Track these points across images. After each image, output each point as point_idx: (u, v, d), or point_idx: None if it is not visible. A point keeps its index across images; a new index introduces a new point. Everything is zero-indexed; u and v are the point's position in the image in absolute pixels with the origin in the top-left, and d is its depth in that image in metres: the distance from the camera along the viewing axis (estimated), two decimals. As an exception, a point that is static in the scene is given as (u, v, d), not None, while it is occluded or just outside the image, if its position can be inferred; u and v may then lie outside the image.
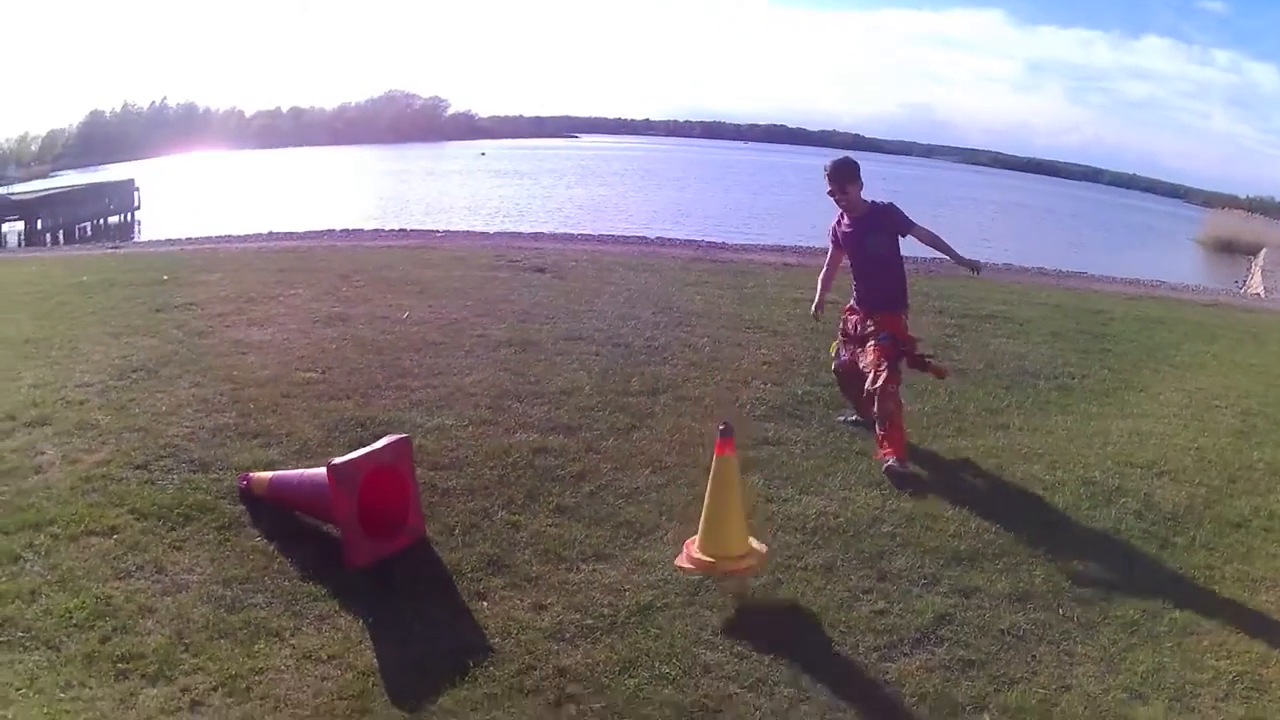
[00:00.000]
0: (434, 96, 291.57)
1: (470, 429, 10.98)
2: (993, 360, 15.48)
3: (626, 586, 8.02)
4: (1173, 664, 7.28)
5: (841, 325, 11.50)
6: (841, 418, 11.68)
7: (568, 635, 7.35)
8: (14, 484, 9.18)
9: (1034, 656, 7.30)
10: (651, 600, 7.83)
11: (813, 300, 11.95)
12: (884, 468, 10.34)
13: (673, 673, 6.90)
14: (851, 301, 11.38)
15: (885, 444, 10.46)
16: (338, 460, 8.15)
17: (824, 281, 11.93)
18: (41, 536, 8.32)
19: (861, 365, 10.87)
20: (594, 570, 8.29)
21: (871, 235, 11.08)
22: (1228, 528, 9.69)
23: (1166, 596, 8.23)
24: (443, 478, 9.68)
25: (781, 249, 31.94)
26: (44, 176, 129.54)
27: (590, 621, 7.53)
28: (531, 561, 8.38)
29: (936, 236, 11.20)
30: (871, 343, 10.85)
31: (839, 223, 11.43)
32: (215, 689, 6.61)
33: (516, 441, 10.69)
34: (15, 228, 74.22)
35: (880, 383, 10.48)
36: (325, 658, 7.00)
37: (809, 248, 32.52)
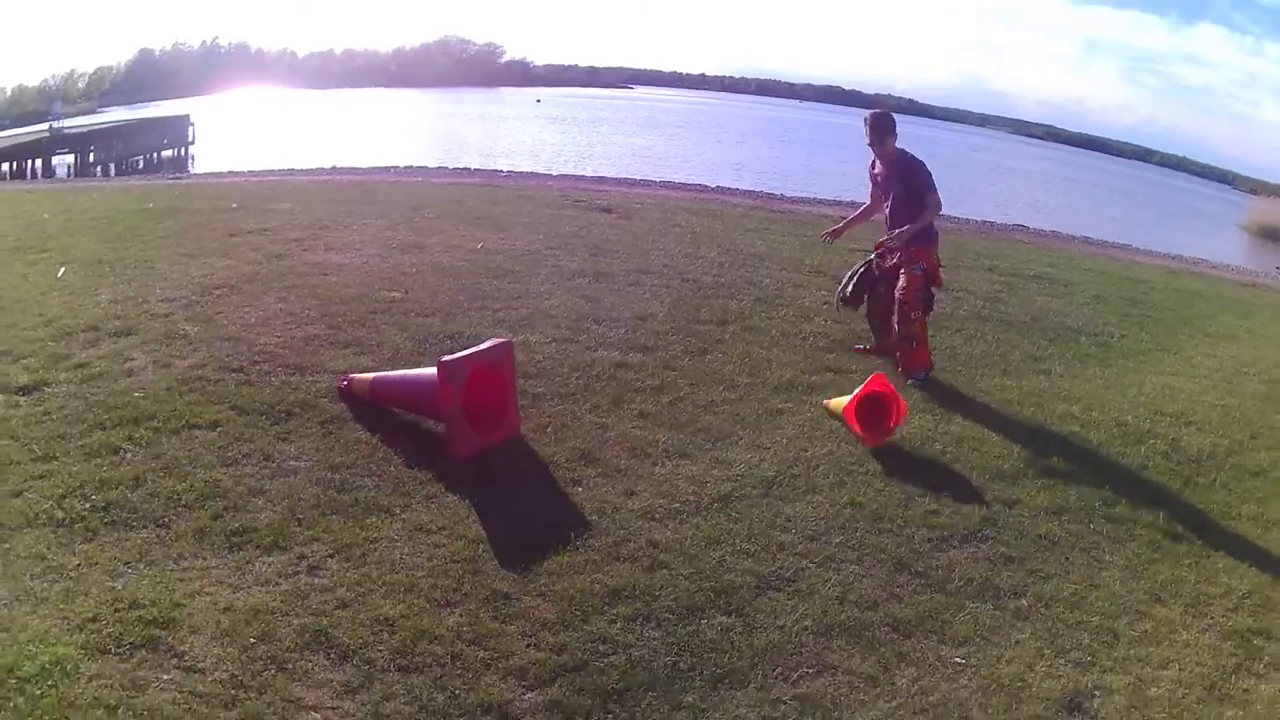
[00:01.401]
0: (489, 43, 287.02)
1: (554, 345, 11.69)
2: (1037, 315, 16.19)
3: (707, 479, 8.78)
4: (1190, 577, 8.06)
5: (873, 260, 12.24)
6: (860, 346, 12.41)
7: (657, 516, 8.08)
8: (106, 385, 9.72)
9: (1067, 559, 8.11)
10: (731, 490, 8.60)
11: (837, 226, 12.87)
12: (910, 382, 11.39)
13: (752, 549, 7.69)
14: (885, 238, 11.97)
15: (909, 362, 11.54)
16: (447, 357, 8.84)
17: (856, 216, 13.08)
18: (141, 430, 8.82)
19: (897, 292, 11.56)
20: (677, 465, 9.03)
21: (902, 180, 11.74)
22: (1246, 475, 10.41)
23: (1187, 524, 9.03)
24: (532, 385, 10.36)
25: (839, 202, 32.09)
26: (91, 113, 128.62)
27: (676, 505, 8.27)
28: (620, 456, 9.10)
29: (931, 218, 11.73)
30: (904, 271, 11.55)
31: (873, 167, 12.24)
32: (331, 555, 7.18)
33: (598, 357, 11.42)
34: (65, 160, 74.12)
35: (908, 308, 11.44)
36: (435, 529, 7.64)
37: (864, 203, 33.25)
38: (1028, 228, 34.12)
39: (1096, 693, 6.48)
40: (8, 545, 6.94)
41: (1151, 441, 10.87)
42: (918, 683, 6.33)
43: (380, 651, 6.13)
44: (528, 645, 6.31)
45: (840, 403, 10.23)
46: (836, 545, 7.92)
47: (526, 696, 5.85)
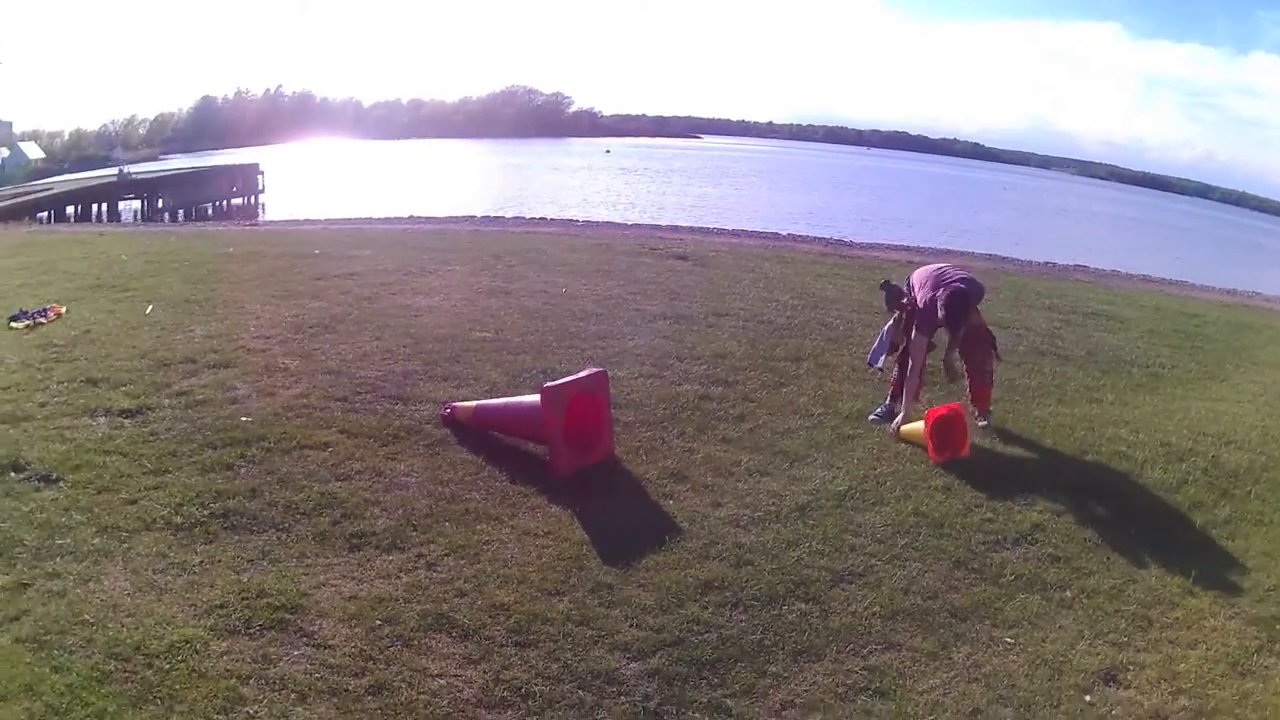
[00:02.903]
0: (556, 93, 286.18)
1: (640, 380, 12.43)
2: (1093, 350, 16.71)
3: (785, 493, 9.46)
4: (1221, 573, 8.63)
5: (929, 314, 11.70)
6: (872, 415, 12.04)
7: (742, 523, 8.77)
8: (211, 411, 10.41)
9: (1108, 558, 8.73)
10: (807, 502, 9.30)
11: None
12: (983, 424, 11.91)
13: (826, 549, 8.39)
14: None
15: (987, 400, 12.10)
16: (550, 384, 9.64)
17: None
18: (252, 450, 9.49)
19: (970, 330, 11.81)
20: (758, 481, 9.71)
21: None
22: None
23: (1221, 530, 9.62)
24: (623, 414, 11.02)
25: (907, 248, 32.66)
26: (153, 159, 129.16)
27: (759, 514, 8.97)
28: (706, 474, 9.78)
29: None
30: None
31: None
32: (447, 555, 7.86)
33: (682, 390, 12.16)
34: (131, 205, 75.20)
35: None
36: (541, 534, 8.33)
37: (932, 248, 33.71)
38: (1088, 267, 34.29)
39: (1130, 667, 7.07)
40: (128, 545, 7.61)
41: (1193, 459, 11.30)
42: (972, 658, 6.98)
43: (497, 631, 6.82)
44: (630, 625, 7.01)
45: (913, 429, 11.00)
46: (902, 546, 8.60)
47: (631, 666, 6.55)
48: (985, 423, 11.96)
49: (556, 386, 9.60)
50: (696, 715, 6.15)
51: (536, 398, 9.57)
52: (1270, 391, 15.21)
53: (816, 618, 7.36)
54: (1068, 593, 8.14)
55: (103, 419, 10.10)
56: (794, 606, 7.49)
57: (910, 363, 11.59)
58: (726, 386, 12.56)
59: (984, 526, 9.18)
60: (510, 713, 6.03)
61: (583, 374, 10.14)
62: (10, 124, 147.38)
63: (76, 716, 5.61)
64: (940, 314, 11.37)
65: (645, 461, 10.08)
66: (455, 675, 6.34)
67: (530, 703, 6.13)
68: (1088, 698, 6.70)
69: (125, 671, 6.07)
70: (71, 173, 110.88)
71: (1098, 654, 7.23)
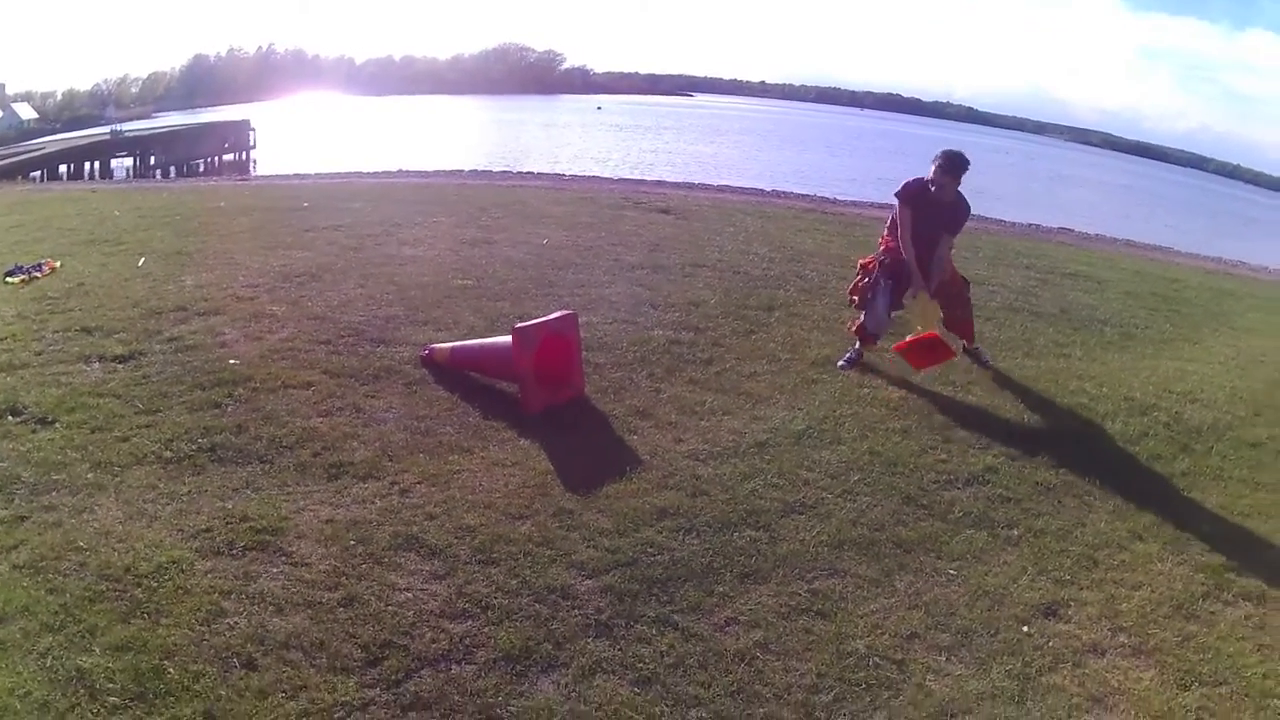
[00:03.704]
0: (549, 50, 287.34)
1: (614, 325, 12.78)
2: (1067, 307, 17.00)
3: (746, 431, 9.80)
4: (1172, 523, 8.77)
5: (896, 261, 12.16)
6: (840, 362, 12.24)
7: (701, 457, 9.11)
8: (201, 355, 10.78)
9: (1059, 501, 8.97)
10: (767, 439, 9.63)
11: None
12: (977, 350, 12.58)
13: (780, 483, 8.70)
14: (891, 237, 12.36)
15: (973, 328, 12.53)
16: (521, 324, 9.99)
17: (916, 256, 12.03)
18: (240, 389, 9.89)
19: (948, 281, 12.19)
20: (720, 420, 10.06)
21: (954, 219, 12.02)
22: (1244, 445, 11.03)
23: (1178, 481, 9.82)
24: (594, 356, 11.41)
25: (892, 206, 32.98)
26: (146, 118, 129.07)
27: (718, 450, 9.30)
28: (671, 413, 10.13)
29: (945, 257, 12.17)
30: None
31: (922, 197, 11.90)
32: (419, 482, 8.21)
33: (654, 335, 12.48)
34: (124, 163, 75.97)
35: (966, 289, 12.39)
36: (509, 464, 8.69)
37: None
38: (1073, 230, 34.50)
39: (1071, 604, 7.28)
40: (119, 479, 7.96)
41: (1155, 413, 11.54)
42: (914, 586, 7.27)
43: (463, 550, 7.19)
44: (587, 547, 7.36)
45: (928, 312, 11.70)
46: (854, 482, 8.88)
47: (586, 582, 6.90)
48: (976, 348, 12.56)
49: (527, 327, 9.94)
50: (644, 628, 6.47)
51: (509, 338, 9.91)
52: (1244, 355, 15.46)
53: (765, 544, 7.69)
54: (1015, 531, 8.36)
55: (96, 365, 10.44)
56: (744, 533, 7.82)
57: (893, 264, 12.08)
58: (697, 332, 12.87)
59: (937, 467, 9.45)
60: (471, 622, 6.37)
61: (553, 315, 10.48)
62: (3, 85, 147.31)
63: (70, 632, 5.94)
64: (931, 174, 11.75)
65: (613, 400, 10.44)
66: (421, 589, 6.70)
67: (489, 613, 6.47)
68: (1025, 628, 6.92)
69: (116, 591, 6.40)
70: (64, 132, 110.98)
71: (1039, 589, 7.45)
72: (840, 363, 12.16)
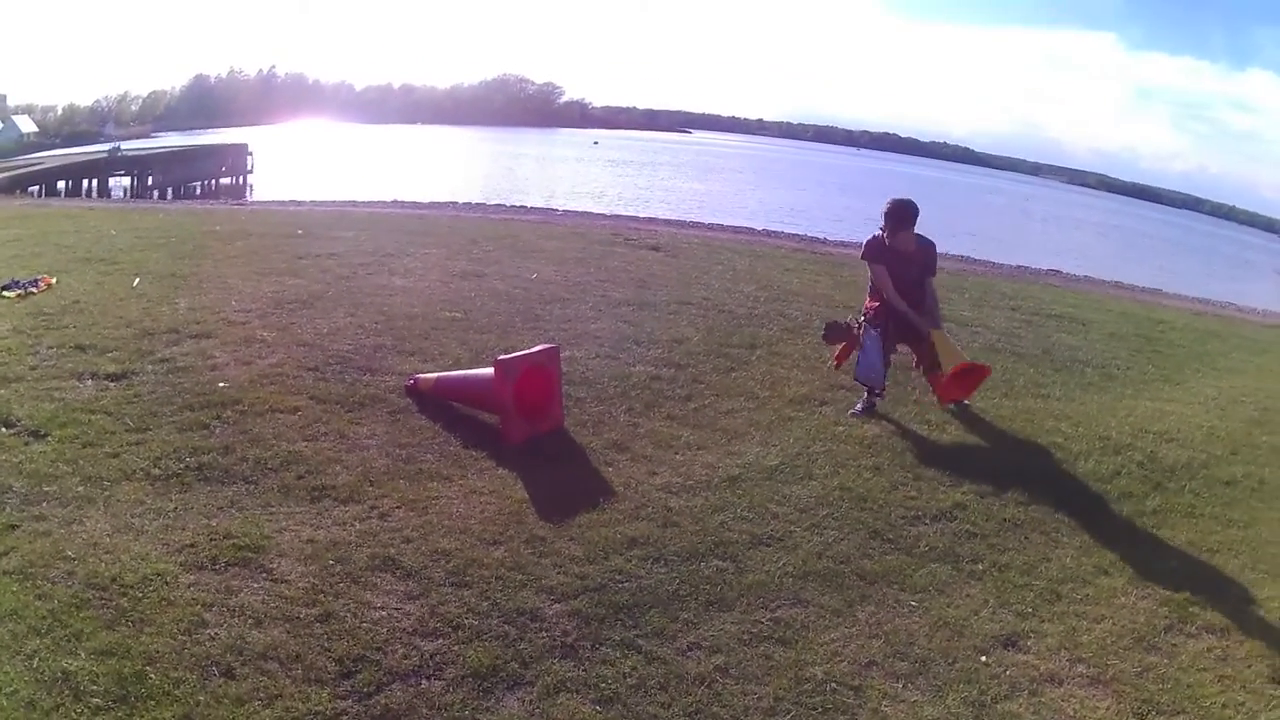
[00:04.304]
0: (548, 83, 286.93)
1: (597, 360, 12.98)
2: (1049, 349, 17.16)
3: (720, 465, 9.98)
4: (1140, 557, 8.95)
5: (880, 315, 12.13)
6: (853, 410, 12.18)
7: (674, 490, 9.29)
8: (191, 377, 11.02)
9: (1026, 537, 9.11)
10: (739, 474, 9.81)
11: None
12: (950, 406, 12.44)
13: (750, 515, 8.90)
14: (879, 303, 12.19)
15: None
16: (503, 356, 10.25)
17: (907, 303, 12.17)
18: (228, 412, 10.13)
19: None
20: (695, 454, 10.24)
21: (925, 261, 12.25)
22: (1218, 484, 11.15)
23: (1148, 519, 9.95)
24: (576, 390, 11.61)
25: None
26: (145, 137, 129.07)
27: (691, 483, 9.48)
28: (647, 447, 10.31)
29: (934, 296, 12.47)
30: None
31: (887, 246, 12.09)
32: (399, 507, 8.44)
33: (635, 371, 12.69)
34: (121, 182, 76.10)
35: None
36: (486, 492, 8.90)
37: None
38: (1061, 272, 34.66)
39: (1031, 635, 7.44)
40: (108, 493, 8.20)
41: (1129, 453, 11.64)
42: (875, 617, 7.45)
43: (437, 572, 7.41)
44: (558, 572, 7.57)
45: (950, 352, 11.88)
46: (822, 516, 9.06)
47: (554, 606, 7.12)
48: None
49: (510, 359, 10.18)
50: (608, 650, 6.67)
51: (492, 370, 10.15)
52: (1225, 396, 15.60)
53: (731, 574, 7.89)
54: (979, 565, 8.49)
55: (90, 381, 10.67)
56: (711, 563, 8.02)
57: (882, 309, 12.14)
58: (678, 369, 13.03)
59: (906, 503, 9.58)
60: (441, 640, 6.59)
61: (536, 349, 10.73)
62: (4, 97, 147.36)
63: (57, 636, 6.17)
64: (882, 226, 12.02)
65: (591, 433, 10.61)
66: (395, 608, 6.92)
67: (460, 633, 6.69)
68: (984, 658, 7.07)
69: (102, 599, 6.63)
70: (64, 147, 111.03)
71: (1000, 621, 7.60)
72: (852, 412, 12.10)
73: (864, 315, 12.40)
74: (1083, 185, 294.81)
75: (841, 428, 11.50)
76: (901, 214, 11.85)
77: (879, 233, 12.07)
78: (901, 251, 12.05)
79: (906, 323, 12.03)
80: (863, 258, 12.33)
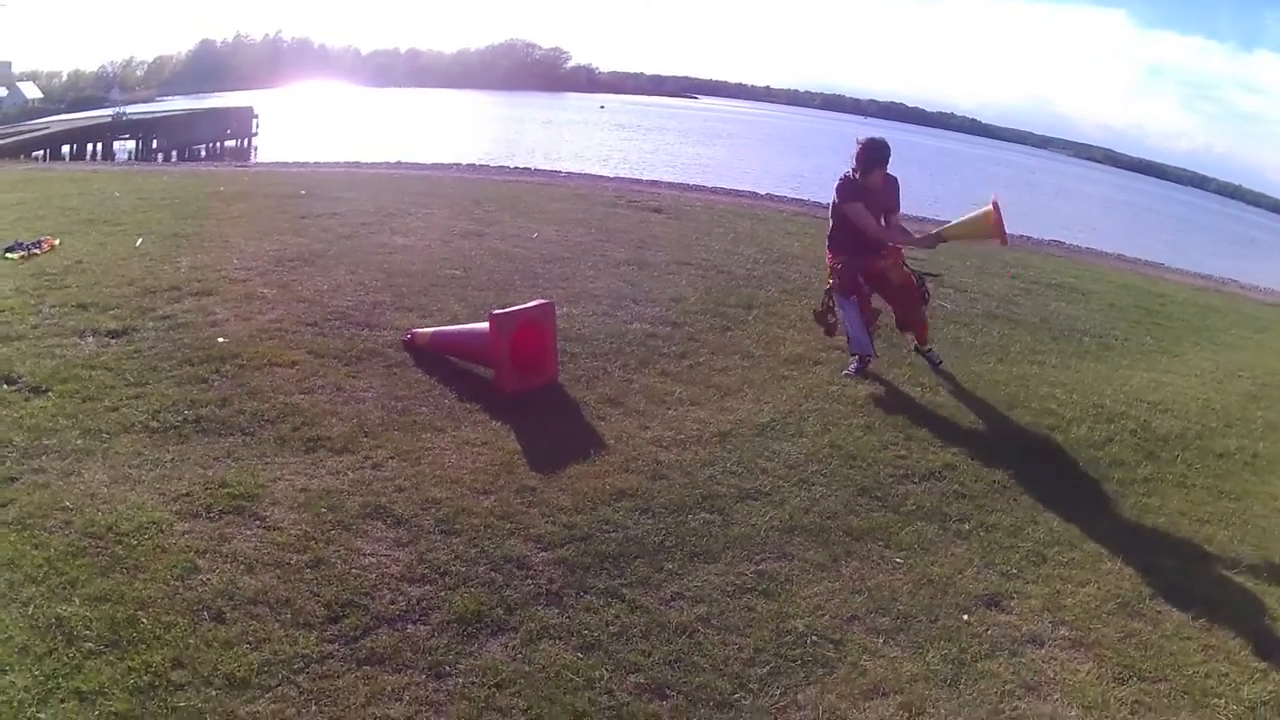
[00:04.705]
0: (555, 47, 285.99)
1: (594, 318, 13.07)
2: (1048, 317, 17.24)
3: (711, 421, 10.10)
4: (1127, 526, 8.99)
5: (845, 278, 12.18)
6: (846, 371, 12.20)
7: (664, 444, 9.41)
8: (191, 333, 11.12)
9: (1014, 500, 9.17)
10: (730, 430, 9.91)
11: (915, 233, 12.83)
12: (929, 352, 12.62)
13: (739, 470, 9.00)
14: (843, 257, 12.30)
15: (927, 332, 12.61)
16: (498, 310, 10.40)
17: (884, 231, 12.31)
18: (227, 366, 10.25)
19: (898, 285, 12.21)
20: (687, 410, 10.36)
21: (894, 196, 12.34)
22: (1211, 456, 11.20)
23: (1139, 487, 9.96)
24: (571, 346, 11.72)
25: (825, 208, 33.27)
26: (150, 101, 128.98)
27: (682, 437, 9.60)
28: (640, 402, 10.44)
29: (901, 229, 12.57)
30: (894, 268, 12.19)
31: (868, 185, 12.07)
32: (392, 458, 8.57)
33: (632, 328, 12.79)
34: (126, 145, 76.16)
35: (920, 295, 12.35)
36: (479, 443, 9.03)
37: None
38: (1063, 243, 34.82)
39: (1015, 596, 7.50)
40: (107, 445, 8.31)
41: (1123, 421, 11.69)
42: (859, 572, 7.54)
43: (427, 521, 7.53)
44: (546, 522, 7.70)
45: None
46: (811, 473, 9.15)
47: (541, 554, 7.24)
48: (928, 349, 12.74)
49: (504, 313, 10.33)
50: (592, 598, 6.80)
51: (487, 324, 10.28)
52: (1222, 369, 15.62)
53: (718, 526, 8.00)
54: (966, 525, 8.55)
55: (91, 339, 10.75)
56: (698, 516, 8.13)
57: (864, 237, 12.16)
58: (674, 327, 13.13)
59: (895, 461, 9.67)
60: (428, 587, 6.72)
61: (530, 304, 10.87)
62: (9, 64, 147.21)
63: (51, 584, 6.28)
64: (852, 163, 11.98)
65: (585, 388, 10.73)
66: (385, 555, 7.05)
67: (447, 579, 6.81)
68: (965, 616, 7.14)
69: (97, 547, 6.75)
70: (69, 113, 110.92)
71: (984, 581, 7.66)
72: (845, 372, 12.12)
73: (830, 284, 12.49)
74: (1089, 159, 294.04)
75: (834, 387, 11.59)
76: (877, 154, 11.87)
77: (849, 173, 12.09)
78: (870, 190, 12.11)
79: (876, 272, 12.13)
80: (839, 200, 12.22)
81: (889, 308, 12.61)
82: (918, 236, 12.27)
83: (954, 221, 12.27)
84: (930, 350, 12.79)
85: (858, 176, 11.93)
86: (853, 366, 12.15)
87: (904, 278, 12.18)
